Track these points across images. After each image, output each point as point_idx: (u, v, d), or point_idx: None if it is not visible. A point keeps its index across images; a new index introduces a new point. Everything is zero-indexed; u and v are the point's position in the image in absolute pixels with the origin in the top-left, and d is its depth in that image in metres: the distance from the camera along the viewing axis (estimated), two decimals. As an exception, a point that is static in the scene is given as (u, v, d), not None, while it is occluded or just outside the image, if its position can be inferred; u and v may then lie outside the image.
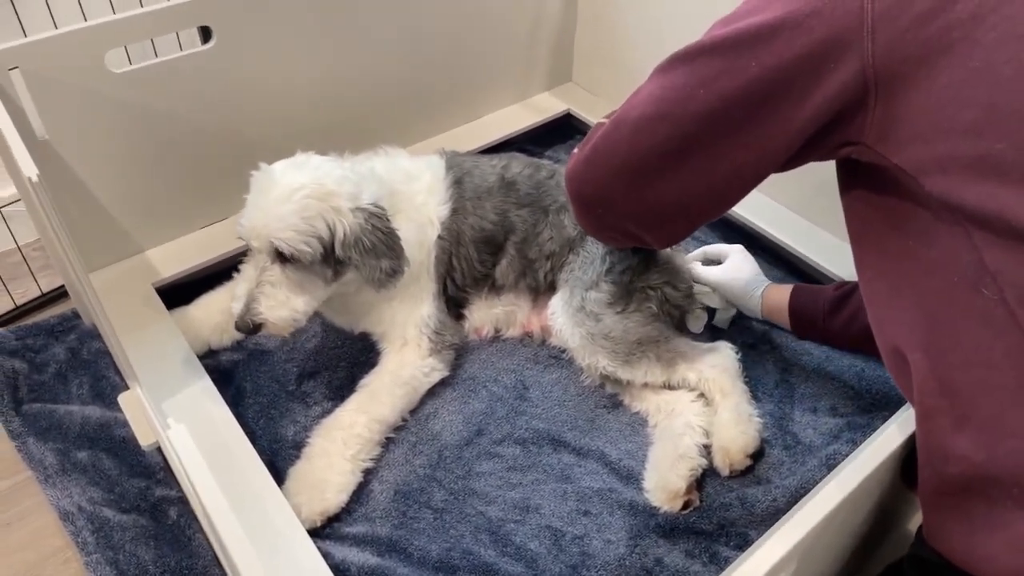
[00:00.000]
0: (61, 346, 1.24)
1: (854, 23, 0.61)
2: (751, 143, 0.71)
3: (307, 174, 1.00)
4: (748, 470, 1.02)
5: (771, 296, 1.14)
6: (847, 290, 1.05)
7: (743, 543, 0.95)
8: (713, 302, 1.22)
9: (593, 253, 1.13)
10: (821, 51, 0.63)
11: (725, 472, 1.02)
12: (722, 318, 1.22)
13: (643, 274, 1.12)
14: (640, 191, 0.81)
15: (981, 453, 0.64)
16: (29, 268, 1.37)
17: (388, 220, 1.03)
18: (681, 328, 1.18)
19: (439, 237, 1.14)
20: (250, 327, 0.99)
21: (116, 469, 1.07)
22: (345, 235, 0.99)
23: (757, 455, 1.03)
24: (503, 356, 1.20)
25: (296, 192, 0.97)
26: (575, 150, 0.90)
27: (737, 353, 1.11)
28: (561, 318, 1.11)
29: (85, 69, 1.07)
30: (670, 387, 1.09)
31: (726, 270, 1.19)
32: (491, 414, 1.11)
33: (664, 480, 0.98)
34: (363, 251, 1.00)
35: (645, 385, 1.09)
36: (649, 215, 0.85)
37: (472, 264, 1.17)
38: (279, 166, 1.02)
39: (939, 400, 0.67)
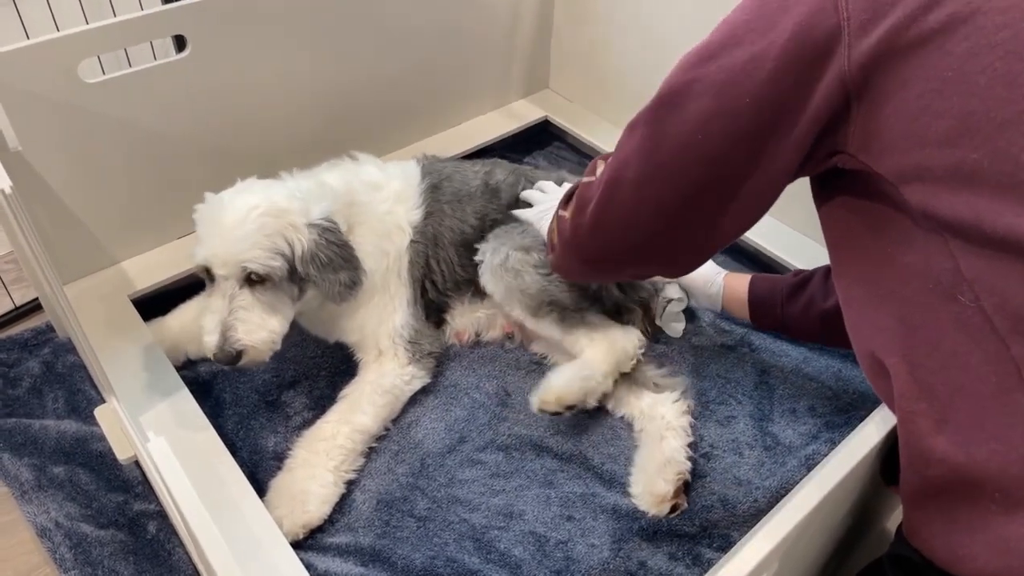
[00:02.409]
0: (35, 360, 1.22)
1: (832, 42, 0.62)
2: (759, 174, 0.70)
3: (257, 195, 1.00)
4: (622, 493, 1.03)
5: (731, 284, 1.15)
6: (804, 277, 1.06)
7: (726, 544, 0.96)
8: (670, 292, 1.22)
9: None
10: (806, 73, 0.63)
11: (535, 405, 1.05)
12: (674, 311, 1.22)
13: None
14: (654, 243, 0.79)
15: (961, 456, 0.64)
16: (2, 281, 1.35)
17: (341, 233, 1.04)
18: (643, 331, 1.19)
19: (412, 241, 1.15)
20: (232, 355, 0.97)
21: (93, 484, 1.06)
22: (303, 251, 0.99)
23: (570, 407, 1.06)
24: (484, 363, 1.20)
25: (252, 211, 0.97)
26: (561, 215, 0.88)
27: (641, 344, 1.13)
28: (485, 273, 1.14)
29: (58, 79, 1.05)
30: (565, 349, 1.13)
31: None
32: (473, 421, 1.11)
33: (652, 484, 0.99)
34: (320, 266, 1.01)
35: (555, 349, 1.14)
36: (664, 258, 0.84)
37: (453, 267, 1.18)
38: (226, 194, 1.02)
39: (918, 404, 0.67)
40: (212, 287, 1.01)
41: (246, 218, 0.97)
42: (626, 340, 1.11)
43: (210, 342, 0.97)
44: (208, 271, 0.99)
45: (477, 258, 1.16)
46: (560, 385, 1.05)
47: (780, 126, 0.67)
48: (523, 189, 1.22)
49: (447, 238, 1.17)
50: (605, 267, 0.89)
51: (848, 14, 0.61)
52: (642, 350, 1.13)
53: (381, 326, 1.12)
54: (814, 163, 0.70)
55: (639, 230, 0.78)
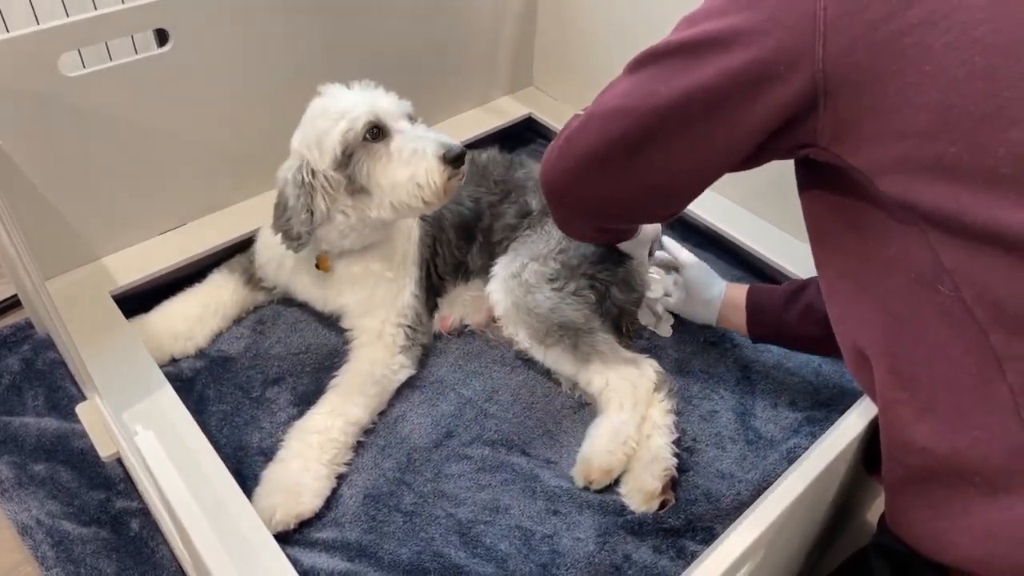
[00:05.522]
0: (15, 357, 1.20)
1: (806, 29, 0.63)
2: (704, 142, 0.73)
3: None
4: (607, 488, 1.02)
5: (729, 293, 1.15)
6: (801, 284, 1.07)
7: (709, 537, 0.97)
8: (656, 292, 1.22)
9: (550, 232, 1.16)
10: (773, 57, 0.65)
11: (580, 482, 1.02)
12: (656, 308, 1.23)
13: (596, 265, 1.14)
14: (605, 181, 0.82)
15: (943, 445, 0.65)
16: (-21, 277, 1.34)
17: None
18: (619, 332, 1.19)
19: (420, 217, 1.17)
20: (463, 148, 1.04)
21: (75, 481, 1.05)
22: None
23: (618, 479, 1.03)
24: (471, 359, 1.20)
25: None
26: (553, 142, 0.91)
27: (657, 374, 1.09)
28: (495, 283, 1.14)
29: (38, 73, 1.04)
30: (576, 384, 1.11)
31: (690, 258, 1.21)
32: (460, 416, 1.11)
33: (640, 482, 1.00)
34: None
35: (553, 373, 1.13)
36: (614, 206, 0.87)
37: (452, 250, 1.21)
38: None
39: (900, 393, 0.68)
40: (389, 132, 1.05)
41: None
42: (647, 381, 1.07)
43: (448, 141, 1.05)
44: (374, 126, 1.04)
45: (491, 274, 1.16)
46: (602, 459, 1.01)
47: (732, 103, 0.68)
48: (516, 171, 1.26)
49: (448, 220, 1.20)
50: (564, 202, 0.90)
51: (825, 3, 0.62)
52: (658, 379, 1.09)
53: (392, 304, 1.14)
54: (780, 152, 0.72)
55: (591, 166, 0.81)
